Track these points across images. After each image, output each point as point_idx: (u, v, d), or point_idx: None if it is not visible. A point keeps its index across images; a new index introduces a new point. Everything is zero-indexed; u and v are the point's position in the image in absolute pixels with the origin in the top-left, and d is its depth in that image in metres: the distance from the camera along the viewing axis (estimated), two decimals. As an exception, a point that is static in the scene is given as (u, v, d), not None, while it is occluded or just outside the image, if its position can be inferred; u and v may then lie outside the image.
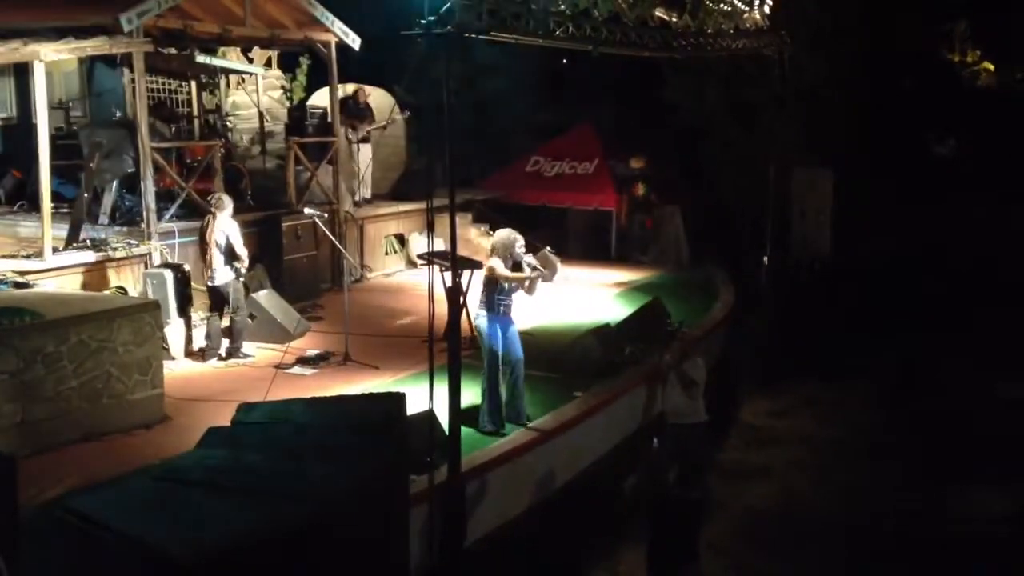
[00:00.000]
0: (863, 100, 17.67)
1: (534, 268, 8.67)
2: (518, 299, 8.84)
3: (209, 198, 11.08)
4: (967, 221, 17.95)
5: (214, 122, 15.48)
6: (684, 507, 7.32)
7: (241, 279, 10.75)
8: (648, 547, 7.38)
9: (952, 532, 9.48)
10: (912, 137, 19.30)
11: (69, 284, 10.77)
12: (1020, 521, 9.62)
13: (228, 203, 10.68)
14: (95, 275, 11.07)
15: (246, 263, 10.73)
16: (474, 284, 8.07)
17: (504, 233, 8.74)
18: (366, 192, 16.02)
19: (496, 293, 8.63)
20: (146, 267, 11.29)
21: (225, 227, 10.50)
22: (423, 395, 7.44)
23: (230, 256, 10.51)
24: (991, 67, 21.65)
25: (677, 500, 7.25)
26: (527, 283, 8.67)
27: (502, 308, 8.68)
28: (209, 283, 10.65)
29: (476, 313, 8.69)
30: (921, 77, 19.37)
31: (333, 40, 14.27)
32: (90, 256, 11.10)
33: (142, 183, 11.60)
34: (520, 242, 8.67)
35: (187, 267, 11.07)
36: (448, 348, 7.41)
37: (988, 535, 9.39)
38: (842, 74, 16.73)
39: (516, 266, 8.68)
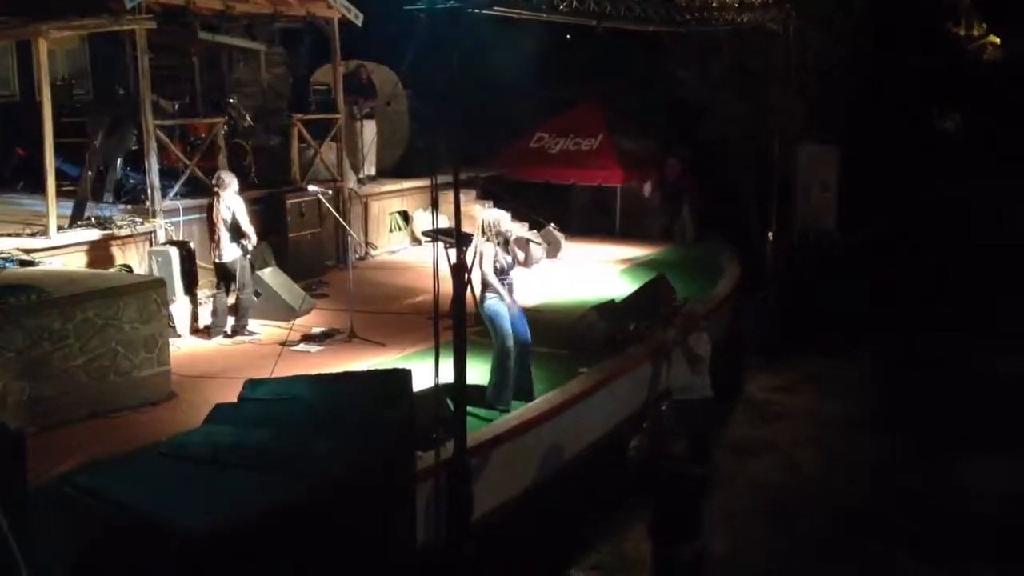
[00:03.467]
0: (867, 74, 17.54)
1: (528, 241, 8.69)
2: (519, 275, 8.85)
3: (212, 178, 11.06)
4: (970, 196, 17.87)
5: (217, 99, 15.42)
6: (688, 482, 7.32)
7: (248, 256, 10.74)
8: (652, 523, 7.39)
9: (954, 508, 9.49)
10: (916, 112, 19.16)
11: (74, 262, 10.77)
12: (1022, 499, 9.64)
13: (230, 180, 10.62)
14: (100, 253, 11.07)
15: (253, 240, 10.66)
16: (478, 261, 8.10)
17: (487, 214, 8.83)
18: (370, 169, 15.98)
19: (497, 273, 8.64)
20: (151, 245, 11.30)
21: (231, 204, 10.46)
22: (429, 371, 7.45)
23: (236, 233, 10.49)
24: (997, 40, 21.42)
25: (681, 475, 7.25)
26: (524, 256, 8.74)
27: (505, 286, 8.70)
28: (216, 260, 10.65)
29: (482, 295, 8.71)
30: (926, 51, 19.19)
31: (336, 16, 14.19)
32: (95, 234, 11.10)
33: (146, 161, 11.58)
34: (506, 219, 8.74)
35: (192, 244, 11.07)
36: (453, 325, 7.41)
37: (990, 511, 9.41)
38: (846, 48, 16.60)
39: (506, 243, 8.73)
